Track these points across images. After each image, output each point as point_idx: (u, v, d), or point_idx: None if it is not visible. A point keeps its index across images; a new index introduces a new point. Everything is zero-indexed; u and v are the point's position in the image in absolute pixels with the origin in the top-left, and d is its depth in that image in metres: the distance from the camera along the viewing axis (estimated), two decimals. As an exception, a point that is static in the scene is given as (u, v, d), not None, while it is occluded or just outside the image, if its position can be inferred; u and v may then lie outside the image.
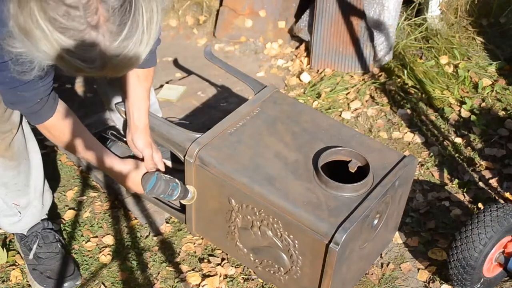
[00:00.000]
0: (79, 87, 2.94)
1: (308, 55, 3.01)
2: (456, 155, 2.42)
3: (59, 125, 1.58)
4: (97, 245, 2.08)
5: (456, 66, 2.85)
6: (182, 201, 1.87)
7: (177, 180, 1.76)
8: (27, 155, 1.81)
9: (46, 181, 1.94)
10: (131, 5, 1.01)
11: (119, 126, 2.20)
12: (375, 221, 1.71)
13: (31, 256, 1.91)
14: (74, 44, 1.01)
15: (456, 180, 2.30)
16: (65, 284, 1.88)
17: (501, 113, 2.60)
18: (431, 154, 2.43)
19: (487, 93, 2.70)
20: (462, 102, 2.66)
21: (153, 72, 1.78)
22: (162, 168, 1.85)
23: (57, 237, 1.97)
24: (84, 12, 0.98)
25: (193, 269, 2.00)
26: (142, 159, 1.82)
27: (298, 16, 3.21)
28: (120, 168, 1.74)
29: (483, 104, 2.65)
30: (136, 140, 1.81)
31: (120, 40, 1.03)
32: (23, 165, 1.79)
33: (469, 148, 2.45)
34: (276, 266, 1.79)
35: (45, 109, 1.50)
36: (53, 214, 2.14)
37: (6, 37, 1.07)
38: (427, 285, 1.95)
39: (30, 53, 1.07)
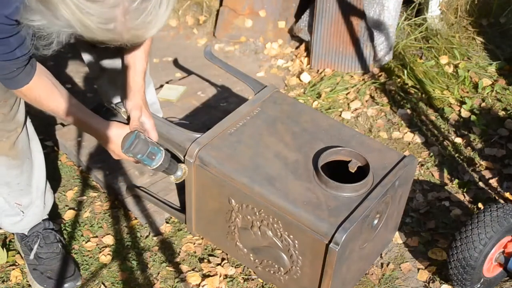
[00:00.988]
0: (79, 87, 2.94)
1: (308, 55, 3.01)
2: (456, 155, 2.42)
3: (37, 90, 1.51)
4: (97, 245, 2.09)
5: (456, 66, 2.85)
6: (172, 179, 1.73)
7: (162, 148, 1.63)
8: (30, 155, 1.81)
9: (47, 182, 1.94)
10: None
11: None
12: (375, 221, 1.71)
13: (32, 256, 1.91)
14: (93, 7, 1.01)
15: (456, 180, 2.30)
16: (66, 285, 1.88)
17: (501, 113, 2.60)
18: (431, 154, 2.43)
19: (487, 93, 2.70)
20: (462, 102, 2.66)
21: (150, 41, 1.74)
22: (154, 137, 1.77)
23: (57, 237, 1.97)
24: None
25: (193, 269, 2.00)
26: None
27: (298, 16, 3.21)
28: (102, 129, 1.63)
29: (483, 104, 2.65)
30: (127, 102, 1.74)
31: (138, 1, 1.03)
32: (26, 165, 1.79)
33: (469, 148, 2.45)
34: (276, 266, 1.79)
35: (21, 76, 1.45)
36: (53, 214, 2.14)
37: (23, 11, 1.06)
38: (427, 285, 1.95)
39: (49, 24, 1.06)
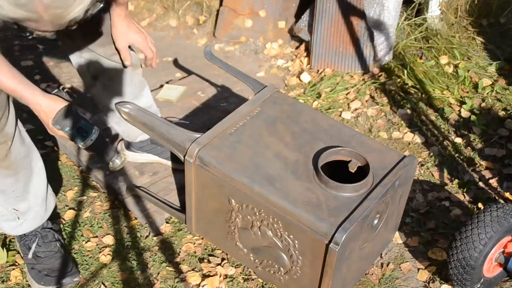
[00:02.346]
0: (78, 87, 2.95)
1: (308, 55, 3.01)
2: (456, 155, 2.42)
3: None
4: (97, 245, 2.09)
5: (456, 66, 2.85)
6: (110, 165, 1.70)
7: (96, 127, 1.60)
8: (27, 164, 1.80)
9: (49, 186, 1.94)
10: None
11: (118, 128, 2.20)
12: (375, 221, 1.71)
13: (30, 256, 1.91)
14: None
15: (456, 180, 2.30)
16: (63, 280, 1.88)
17: (501, 113, 2.60)
18: (431, 154, 2.43)
19: (487, 93, 2.70)
20: (462, 102, 2.66)
21: None
22: (149, 54, 1.76)
23: (56, 236, 1.97)
24: None
25: (193, 269, 2.00)
26: None
27: (298, 16, 3.21)
28: (37, 99, 1.54)
29: (483, 104, 2.65)
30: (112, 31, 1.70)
31: None
32: (21, 173, 1.79)
33: (469, 148, 2.45)
34: (276, 266, 1.79)
35: None
36: (53, 214, 2.13)
37: None
38: (427, 285, 1.95)
39: None
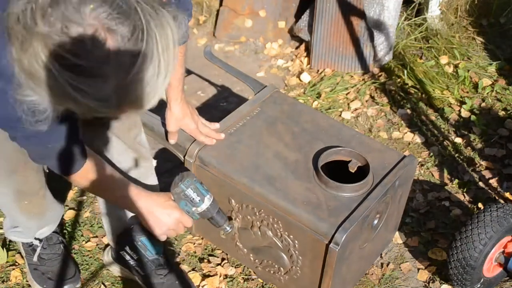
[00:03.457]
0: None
1: (308, 55, 3.00)
2: (456, 155, 2.42)
3: (91, 172, 1.42)
4: (97, 245, 2.08)
5: (456, 66, 2.85)
6: (221, 233, 1.61)
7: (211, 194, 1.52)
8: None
9: (63, 206, 1.96)
10: (143, 33, 0.90)
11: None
12: (375, 221, 1.71)
13: (35, 258, 1.91)
14: (85, 82, 0.90)
15: (456, 180, 2.30)
16: (65, 287, 1.88)
17: (501, 113, 2.60)
18: (431, 154, 2.43)
19: (487, 93, 2.70)
20: (462, 102, 2.66)
21: (185, 49, 1.56)
22: (202, 140, 1.69)
23: (60, 239, 1.97)
24: (91, 45, 0.88)
25: (193, 269, 2.00)
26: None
27: (298, 16, 3.20)
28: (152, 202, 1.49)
29: (483, 104, 2.65)
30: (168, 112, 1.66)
31: (134, 72, 0.91)
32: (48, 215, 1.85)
33: (469, 148, 2.45)
34: (276, 266, 1.79)
35: (75, 157, 1.36)
36: (53, 214, 2.14)
37: (15, 87, 0.96)
38: (427, 285, 1.95)
39: (42, 100, 0.97)
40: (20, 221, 1.81)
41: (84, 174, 1.41)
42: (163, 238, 1.55)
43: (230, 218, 1.63)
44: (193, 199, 1.46)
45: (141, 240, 1.56)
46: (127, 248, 1.56)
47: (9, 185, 1.66)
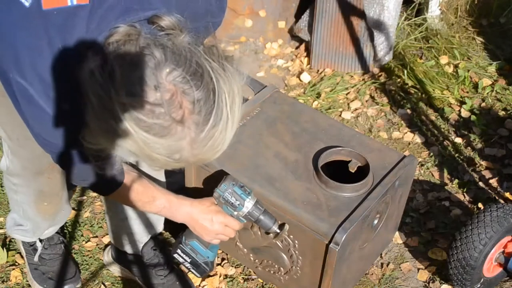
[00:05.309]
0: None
1: (308, 55, 3.00)
2: (456, 155, 2.42)
3: (129, 190, 1.42)
4: (97, 245, 2.08)
5: (456, 66, 2.85)
6: (271, 235, 1.60)
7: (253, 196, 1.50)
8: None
9: (70, 209, 1.95)
10: (214, 93, 0.98)
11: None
12: (375, 221, 1.71)
13: (36, 258, 1.91)
14: (160, 141, 0.97)
15: (456, 180, 2.30)
16: (65, 287, 1.88)
17: (501, 113, 2.60)
18: (431, 154, 2.43)
19: (487, 93, 2.70)
20: (462, 102, 2.66)
21: None
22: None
23: (61, 239, 1.97)
24: (168, 109, 0.95)
25: (193, 269, 2.00)
26: None
27: (298, 16, 3.20)
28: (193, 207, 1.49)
29: (483, 104, 2.65)
30: None
31: (206, 130, 0.99)
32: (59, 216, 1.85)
33: (469, 148, 2.45)
34: (276, 266, 1.79)
35: (114, 176, 1.35)
36: (53, 214, 2.14)
37: (84, 133, 1.02)
38: (427, 285, 1.95)
39: (111, 150, 1.02)
40: (34, 221, 1.80)
41: (123, 191, 1.41)
42: (215, 242, 1.54)
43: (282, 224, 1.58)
44: (232, 203, 1.46)
45: (191, 244, 1.56)
46: (179, 251, 1.57)
47: (33, 186, 1.67)
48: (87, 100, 0.98)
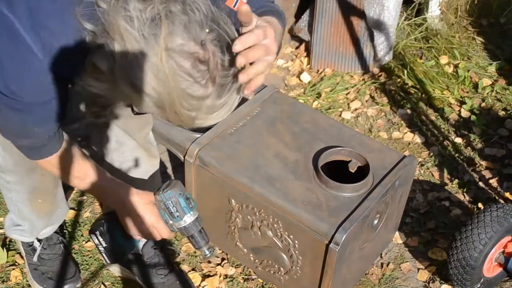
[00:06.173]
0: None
1: (308, 55, 3.01)
2: (456, 155, 2.42)
3: (65, 158, 1.36)
4: (97, 245, 2.08)
5: (456, 66, 2.85)
6: (202, 255, 1.48)
7: (197, 213, 1.39)
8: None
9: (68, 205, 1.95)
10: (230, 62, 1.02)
11: None
12: (375, 221, 1.71)
13: (35, 258, 1.91)
14: (192, 102, 1.00)
15: (456, 180, 2.30)
16: (65, 286, 1.88)
17: (501, 113, 2.60)
18: (431, 154, 2.43)
19: (487, 93, 2.70)
20: (462, 102, 2.66)
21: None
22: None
23: (60, 239, 1.97)
24: (207, 67, 0.99)
25: (193, 269, 2.00)
26: None
27: (298, 16, 3.20)
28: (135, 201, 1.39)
29: (483, 104, 2.65)
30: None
31: (225, 95, 1.03)
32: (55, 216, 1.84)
33: (469, 148, 2.45)
34: (276, 266, 1.79)
35: (50, 145, 1.30)
36: (53, 214, 2.14)
37: (84, 74, 1.02)
38: (427, 285, 1.95)
39: (111, 95, 1.03)
40: (29, 220, 1.80)
41: (53, 160, 1.34)
42: (137, 238, 1.46)
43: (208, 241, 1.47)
44: (172, 213, 1.35)
45: (112, 231, 1.45)
46: (98, 233, 1.45)
47: (26, 182, 1.66)
48: (118, 37, 0.96)
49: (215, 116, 1.06)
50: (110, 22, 0.96)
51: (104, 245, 1.46)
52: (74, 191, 2.29)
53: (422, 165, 2.38)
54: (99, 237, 1.46)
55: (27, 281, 1.94)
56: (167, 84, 0.97)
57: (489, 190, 2.25)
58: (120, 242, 1.46)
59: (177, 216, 1.34)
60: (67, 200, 2.26)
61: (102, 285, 1.94)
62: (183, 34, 0.95)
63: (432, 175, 2.34)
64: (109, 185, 1.41)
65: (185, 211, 1.34)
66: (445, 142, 2.49)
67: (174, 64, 0.96)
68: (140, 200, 1.38)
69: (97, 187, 1.40)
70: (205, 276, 1.97)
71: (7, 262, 2.01)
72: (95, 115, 1.21)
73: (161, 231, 1.38)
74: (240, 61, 0.99)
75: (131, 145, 1.69)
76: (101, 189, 1.41)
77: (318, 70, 2.96)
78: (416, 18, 3.05)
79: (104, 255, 1.48)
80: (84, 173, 1.38)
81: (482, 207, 2.07)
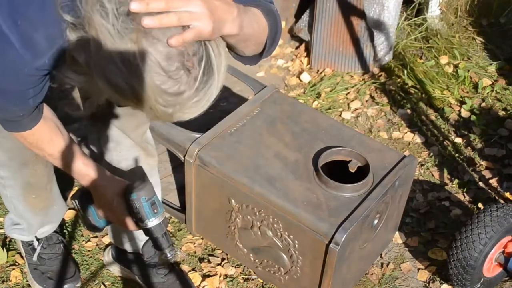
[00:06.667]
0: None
1: (308, 55, 3.00)
2: (456, 155, 2.42)
3: (39, 134, 1.32)
4: (97, 245, 2.08)
5: (456, 66, 2.85)
6: (163, 256, 1.44)
7: (166, 217, 1.40)
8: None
9: (66, 204, 1.95)
10: (208, 57, 1.03)
11: None
12: (375, 221, 1.71)
13: (35, 258, 1.91)
14: (169, 98, 0.99)
15: (456, 180, 2.30)
16: (65, 286, 1.88)
17: (501, 113, 2.60)
18: (431, 154, 2.43)
19: (487, 93, 2.70)
20: (462, 102, 2.66)
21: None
22: None
23: (60, 238, 1.97)
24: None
25: (193, 269, 2.00)
26: None
27: (298, 16, 3.20)
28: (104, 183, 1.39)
29: (483, 104, 2.65)
30: None
31: (205, 87, 1.04)
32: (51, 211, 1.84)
33: (469, 148, 2.45)
34: (276, 266, 1.79)
35: (26, 121, 1.26)
36: (53, 214, 2.14)
37: (64, 67, 1.01)
38: (427, 285, 1.95)
39: (89, 87, 1.02)
40: (25, 217, 1.80)
41: (27, 135, 1.31)
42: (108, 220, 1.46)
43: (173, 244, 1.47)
44: (135, 214, 1.35)
45: (87, 205, 1.44)
46: (77, 202, 1.45)
47: (19, 177, 1.66)
48: (93, 30, 0.95)
49: (193, 111, 1.06)
50: (86, 15, 0.96)
51: (82, 213, 1.46)
52: (74, 191, 2.29)
53: (422, 165, 2.38)
54: (78, 205, 1.46)
55: (27, 281, 1.94)
56: (141, 79, 0.97)
57: (489, 190, 2.25)
58: (94, 217, 1.45)
59: (140, 218, 1.34)
60: (65, 200, 2.27)
61: (102, 285, 1.94)
62: (157, 30, 0.95)
63: (432, 175, 2.34)
64: (81, 167, 1.38)
65: (148, 216, 1.33)
66: (445, 142, 2.49)
67: (148, 59, 0.95)
68: (113, 187, 1.37)
69: (70, 167, 1.38)
70: (205, 276, 1.97)
71: (7, 262, 2.01)
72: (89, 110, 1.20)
73: (127, 223, 1.38)
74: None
75: (127, 144, 1.69)
76: (74, 169, 1.38)
77: (318, 70, 2.96)
78: (416, 18, 3.05)
79: (82, 221, 1.51)
80: (57, 151, 1.35)
81: (482, 207, 2.07)
